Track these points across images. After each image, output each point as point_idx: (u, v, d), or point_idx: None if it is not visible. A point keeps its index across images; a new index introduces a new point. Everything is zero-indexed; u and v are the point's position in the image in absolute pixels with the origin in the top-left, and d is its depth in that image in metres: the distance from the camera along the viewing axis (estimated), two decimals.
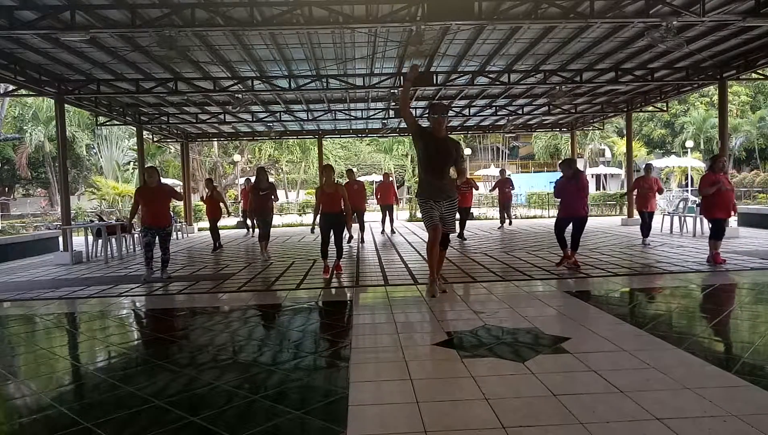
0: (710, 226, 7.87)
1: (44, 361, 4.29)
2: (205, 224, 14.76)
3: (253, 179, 12.12)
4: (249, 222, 16.06)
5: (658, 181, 10.81)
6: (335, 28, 8.73)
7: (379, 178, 36.13)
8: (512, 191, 16.58)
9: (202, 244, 13.35)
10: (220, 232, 12.84)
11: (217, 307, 6.15)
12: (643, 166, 11.24)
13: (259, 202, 10.02)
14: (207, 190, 12.92)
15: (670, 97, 15.96)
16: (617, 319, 4.79)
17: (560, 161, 8.89)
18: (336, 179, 8.73)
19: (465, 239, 12.54)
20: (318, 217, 7.88)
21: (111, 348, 4.67)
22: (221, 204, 12.55)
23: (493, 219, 20.87)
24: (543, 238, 12.74)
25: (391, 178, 15.20)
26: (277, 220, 22.32)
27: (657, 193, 10.53)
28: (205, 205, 12.73)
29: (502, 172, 17.13)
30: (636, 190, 10.74)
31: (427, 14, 7.78)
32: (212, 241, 12.29)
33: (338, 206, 7.75)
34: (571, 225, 7.74)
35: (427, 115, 5.72)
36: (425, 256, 9.53)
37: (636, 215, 17.37)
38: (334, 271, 7.85)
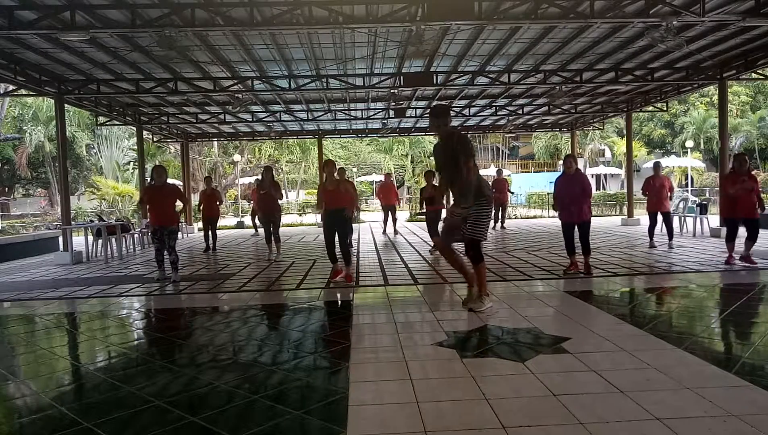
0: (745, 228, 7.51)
1: (44, 361, 4.28)
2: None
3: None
4: (252, 222, 16.08)
5: (668, 180, 10.11)
6: (335, 28, 8.73)
7: (379, 178, 36.24)
8: (509, 194, 16.15)
9: (202, 244, 13.34)
10: (218, 232, 12.75)
11: (217, 307, 6.15)
12: (652, 164, 10.29)
13: (260, 202, 9.98)
14: (206, 188, 12.61)
15: (670, 97, 15.97)
16: (617, 319, 4.79)
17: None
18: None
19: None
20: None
21: (111, 348, 4.68)
22: (218, 203, 12.41)
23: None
24: (543, 238, 12.74)
25: (391, 178, 15.19)
26: None
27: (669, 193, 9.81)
28: (201, 204, 12.26)
29: (499, 171, 17.11)
30: (648, 192, 9.91)
31: (426, 14, 7.78)
32: (204, 241, 11.97)
33: (342, 202, 7.04)
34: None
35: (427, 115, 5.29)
36: (425, 257, 9.59)
37: (635, 215, 17.45)
38: (338, 277, 7.13)
